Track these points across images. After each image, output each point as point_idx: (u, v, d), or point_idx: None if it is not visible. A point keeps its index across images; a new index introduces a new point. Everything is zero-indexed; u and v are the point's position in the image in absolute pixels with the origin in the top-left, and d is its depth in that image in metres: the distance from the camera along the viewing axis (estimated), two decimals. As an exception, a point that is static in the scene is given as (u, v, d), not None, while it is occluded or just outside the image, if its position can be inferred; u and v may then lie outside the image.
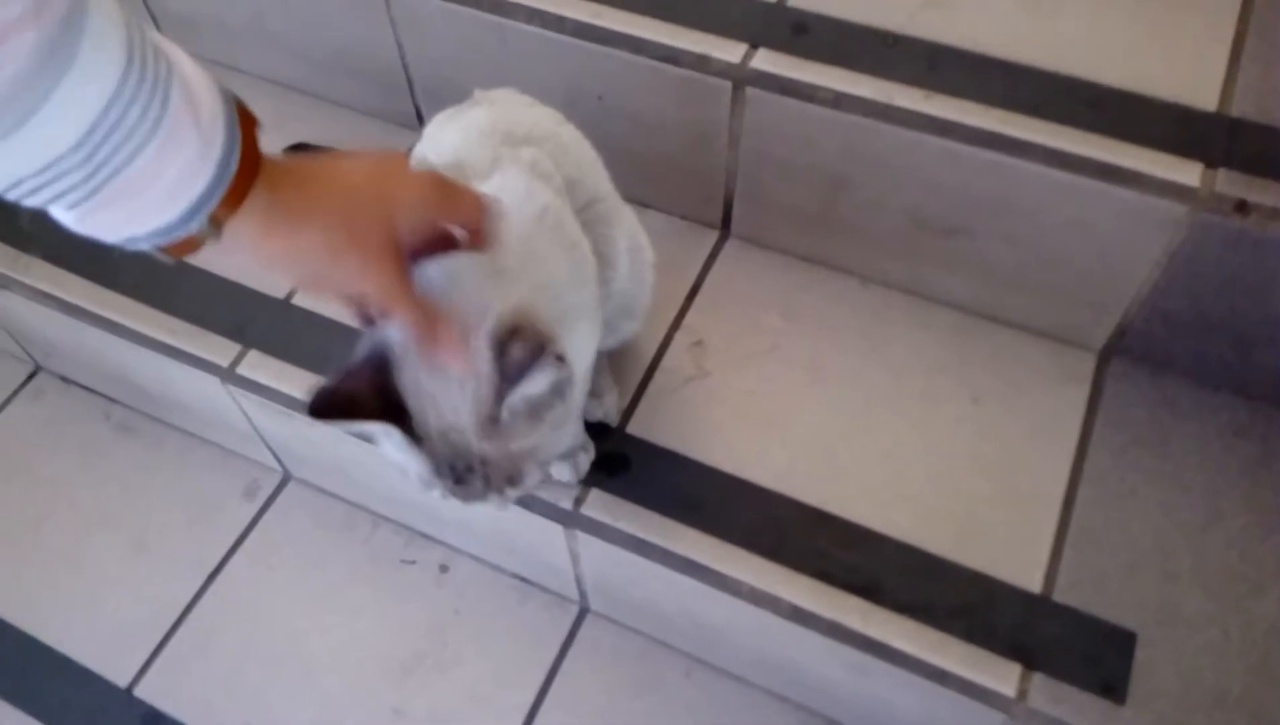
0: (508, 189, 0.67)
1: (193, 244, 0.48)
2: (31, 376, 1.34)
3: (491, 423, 0.60)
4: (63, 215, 0.46)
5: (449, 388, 0.60)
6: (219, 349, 1.05)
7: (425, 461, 0.62)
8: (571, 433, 0.70)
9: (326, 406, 0.59)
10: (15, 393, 1.32)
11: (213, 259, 0.50)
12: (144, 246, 0.48)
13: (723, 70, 0.94)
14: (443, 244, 0.60)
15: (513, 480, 0.65)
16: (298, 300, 1.08)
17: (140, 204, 0.45)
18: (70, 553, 1.19)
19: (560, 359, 0.60)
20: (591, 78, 1.02)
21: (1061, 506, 0.91)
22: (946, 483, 0.93)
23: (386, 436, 0.62)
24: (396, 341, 0.61)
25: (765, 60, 0.93)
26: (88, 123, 0.41)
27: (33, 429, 1.29)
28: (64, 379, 1.32)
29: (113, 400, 1.30)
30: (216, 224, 0.47)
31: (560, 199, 0.70)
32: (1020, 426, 0.96)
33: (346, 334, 1.05)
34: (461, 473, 0.63)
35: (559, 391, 0.62)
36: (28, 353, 1.32)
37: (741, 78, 0.94)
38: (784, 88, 0.92)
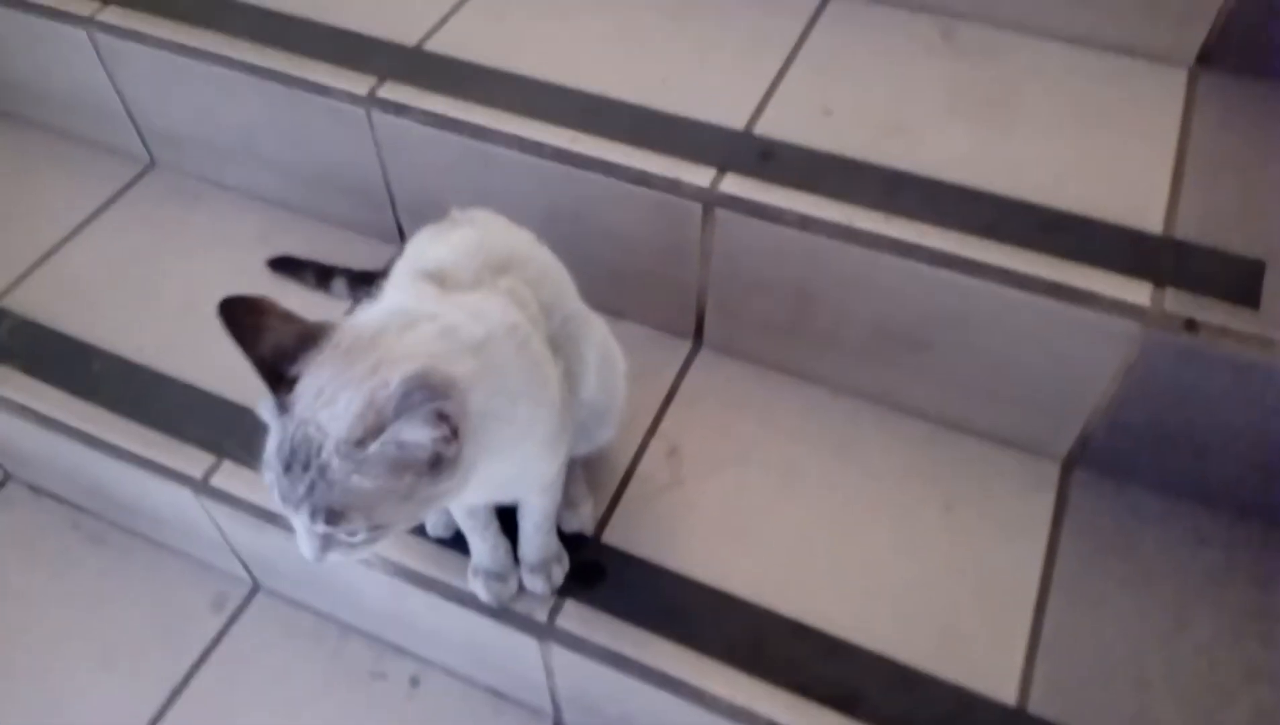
0: (486, 302, 0.70)
1: None
2: (0, 485, 1.32)
3: (355, 445, 0.59)
4: None
5: (345, 392, 0.60)
6: (193, 460, 1.05)
7: (276, 432, 0.62)
8: (416, 520, 0.67)
9: (238, 311, 0.60)
10: (-17, 502, 1.31)
11: None
12: None
13: (693, 193, 0.98)
14: None
15: (333, 516, 0.61)
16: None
17: None
18: (36, 667, 1.15)
19: (452, 431, 0.60)
20: (569, 198, 1.06)
21: (1033, 615, 0.92)
22: (921, 591, 0.94)
23: (262, 395, 0.62)
24: (338, 339, 0.62)
25: (733, 184, 0.98)
26: None
27: (0, 539, 1.27)
28: (33, 488, 1.31)
29: (82, 510, 1.28)
30: None
31: (532, 325, 0.72)
32: (992, 534, 0.97)
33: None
34: (294, 463, 0.61)
35: (436, 466, 0.62)
36: (-2, 462, 1.31)
37: (711, 200, 0.98)
38: (752, 210, 0.97)
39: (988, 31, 1.13)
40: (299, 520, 0.63)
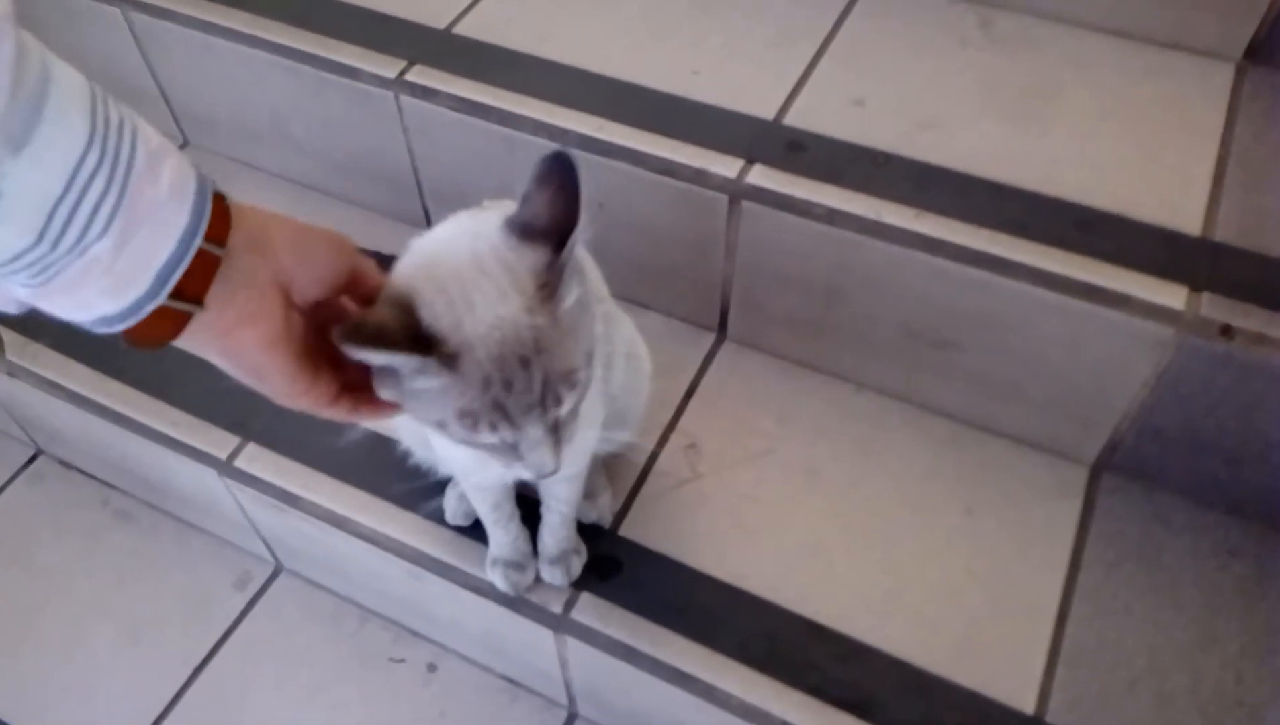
0: None
1: (171, 321, 0.47)
2: (32, 460, 1.34)
3: (546, 289, 0.56)
4: (19, 292, 0.44)
5: (490, 284, 0.57)
6: (218, 441, 1.06)
7: (467, 379, 0.56)
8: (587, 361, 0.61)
9: (354, 335, 0.55)
10: (15, 476, 1.33)
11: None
12: (115, 328, 0.47)
13: (720, 184, 0.97)
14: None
15: (566, 379, 0.57)
16: (299, 394, 1.09)
17: (104, 284, 0.44)
18: (63, 642, 1.18)
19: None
20: (594, 186, 1.04)
21: (1055, 623, 0.90)
22: (941, 596, 0.92)
23: (421, 370, 0.57)
24: (417, 285, 0.59)
25: (761, 176, 0.96)
26: (46, 210, 0.40)
27: (31, 513, 1.29)
28: (64, 463, 1.33)
29: (111, 486, 1.30)
30: (193, 300, 0.47)
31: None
32: (1014, 539, 0.96)
33: (347, 430, 1.06)
34: (515, 371, 0.56)
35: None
36: (30, 437, 1.33)
37: (738, 192, 0.97)
38: (778, 202, 0.95)
39: (1027, 22, 1.10)
40: (532, 431, 0.58)
